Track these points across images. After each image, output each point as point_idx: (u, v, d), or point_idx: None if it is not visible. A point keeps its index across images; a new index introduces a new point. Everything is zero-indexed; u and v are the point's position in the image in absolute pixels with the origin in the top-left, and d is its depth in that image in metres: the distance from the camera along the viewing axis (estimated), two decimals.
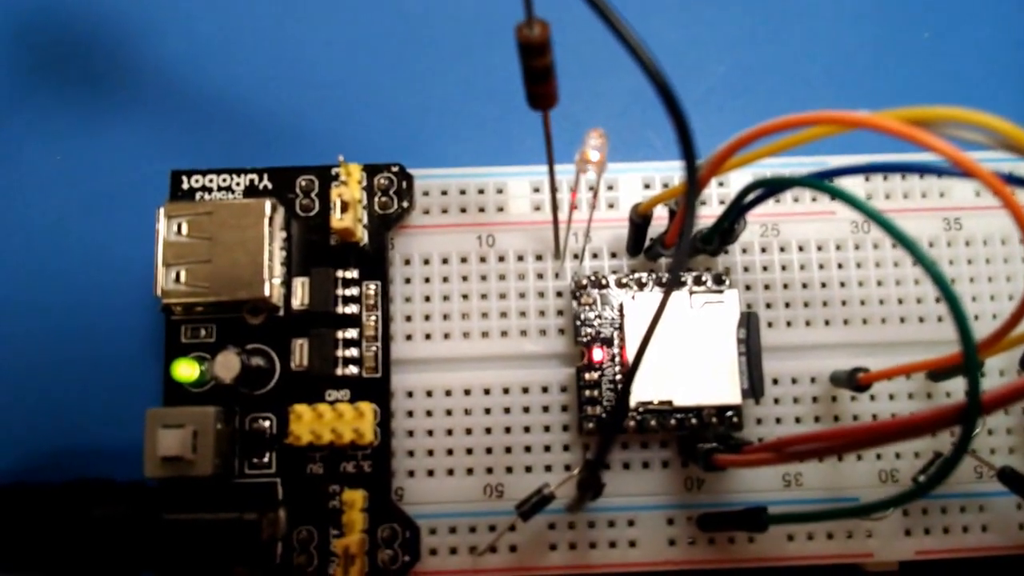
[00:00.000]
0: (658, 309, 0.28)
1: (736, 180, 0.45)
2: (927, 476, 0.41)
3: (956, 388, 0.43)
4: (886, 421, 0.31)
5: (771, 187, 0.35)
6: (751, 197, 0.36)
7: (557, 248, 0.44)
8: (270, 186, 0.44)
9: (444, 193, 0.45)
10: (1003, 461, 0.43)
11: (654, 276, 0.42)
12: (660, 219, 0.42)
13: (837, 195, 0.30)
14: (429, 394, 0.43)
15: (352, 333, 0.42)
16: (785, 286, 0.44)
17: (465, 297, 0.44)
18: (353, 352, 0.42)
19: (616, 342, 0.42)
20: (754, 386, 0.41)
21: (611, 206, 0.45)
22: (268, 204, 0.41)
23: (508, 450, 0.43)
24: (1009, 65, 0.54)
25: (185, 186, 0.43)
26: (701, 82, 0.54)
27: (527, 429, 0.43)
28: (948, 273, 0.44)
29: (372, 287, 0.43)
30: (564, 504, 0.38)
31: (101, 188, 0.50)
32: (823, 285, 0.44)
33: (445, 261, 0.44)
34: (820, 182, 0.32)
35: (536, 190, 0.45)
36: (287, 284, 0.42)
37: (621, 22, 0.26)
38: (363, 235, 0.43)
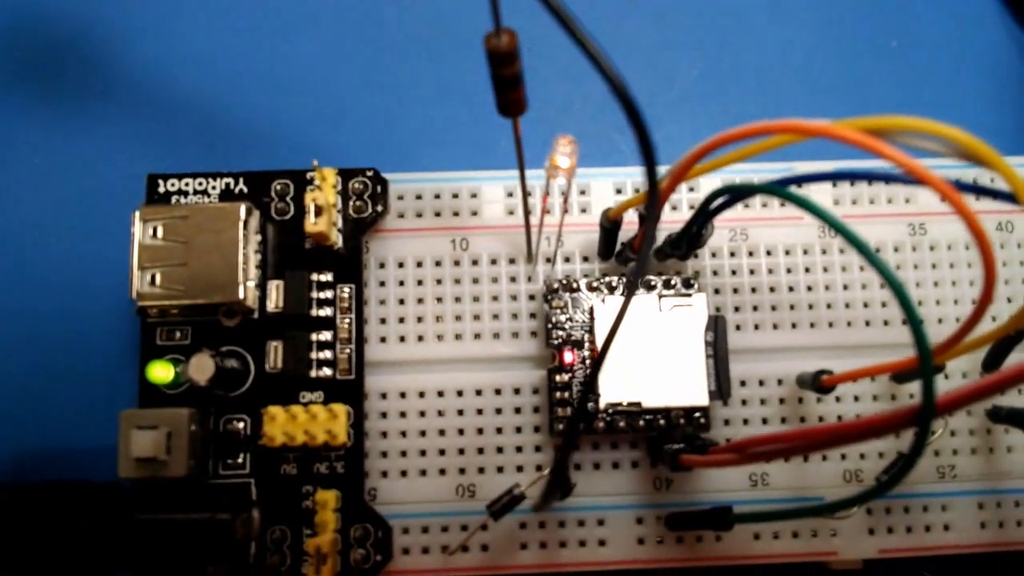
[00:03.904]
0: (618, 314, 0.29)
1: (706, 185, 0.46)
2: (888, 475, 0.42)
3: (919, 390, 0.44)
4: (845, 423, 0.31)
5: (735, 194, 0.35)
6: (716, 203, 0.36)
7: (529, 252, 0.44)
8: (245, 190, 0.44)
9: (418, 197, 0.46)
10: (964, 461, 0.44)
11: (624, 280, 0.43)
12: (631, 223, 0.43)
13: (795, 201, 0.31)
14: (403, 395, 0.44)
15: (326, 335, 0.43)
16: (753, 290, 0.45)
17: (439, 300, 0.45)
18: (327, 354, 0.43)
19: (587, 344, 0.42)
20: (721, 388, 0.42)
21: (583, 210, 0.46)
22: (243, 208, 0.41)
23: (480, 451, 0.43)
24: (975, 72, 0.55)
25: (161, 189, 0.44)
26: (675, 85, 0.54)
27: (499, 430, 0.44)
28: (913, 277, 0.45)
29: (346, 290, 0.43)
30: (531, 504, 0.39)
31: (78, 191, 0.50)
32: (790, 289, 0.45)
33: (419, 264, 0.45)
34: (781, 189, 0.32)
35: (510, 194, 0.46)
36: (262, 287, 0.43)
37: (584, 34, 0.27)
38: (337, 239, 0.43)
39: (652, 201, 0.27)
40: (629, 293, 0.28)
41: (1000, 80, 0.55)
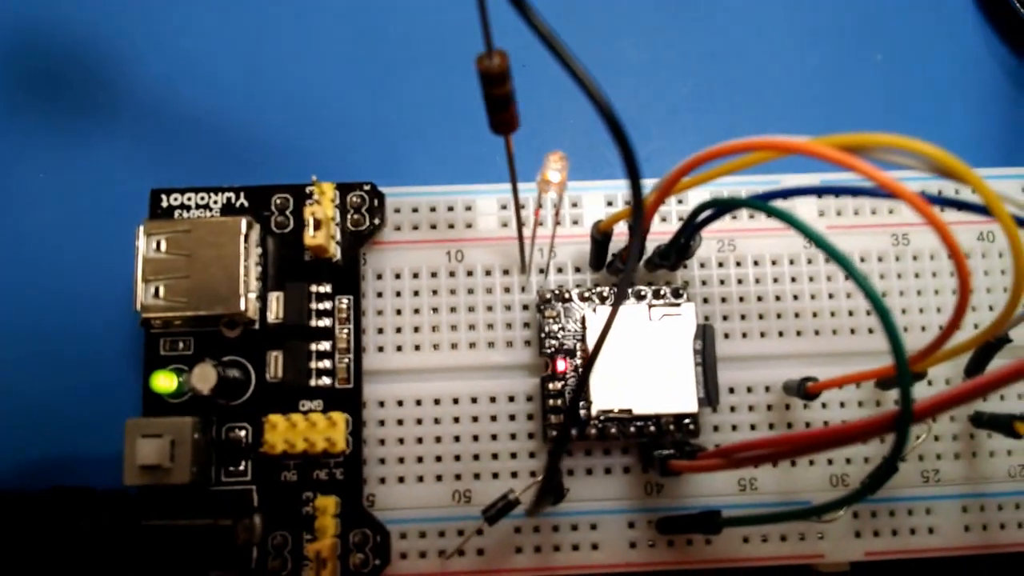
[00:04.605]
0: (607, 322, 0.30)
1: (695, 198, 0.47)
2: (871, 478, 0.43)
3: None
4: (827, 428, 0.33)
5: (720, 208, 0.36)
6: (702, 216, 0.38)
7: (523, 263, 0.45)
8: (246, 204, 0.45)
9: (415, 210, 0.47)
10: (948, 466, 0.45)
11: (615, 290, 0.44)
12: (621, 234, 0.44)
13: (777, 216, 0.32)
14: (400, 404, 0.45)
15: (325, 346, 0.44)
16: (741, 299, 0.46)
17: (435, 310, 0.46)
18: (326, 364, 0.44)
19: (579, 353, 0.43)
20: (710, 395, 0.43)
21: (575, 222, 0.47)
22: (244, 222, 0.43)
23: (476, 457, 0.45)
24: (958, 85, 0.56)
25: (164, 204, 0.45)
26: (666, 101, 0.56)
27: (494, 437, 0.45)
28: (897, 286, 0.47)
29: (345, 301, 0.44)
30: (523, 508, 0.40)
31: (83, 206, 0.51)
32: (777, 298, 0.46)
33: (416, 276, 0.46)
34: (764, 204, 0.34)
35: (503, 207, 0.47)
36: (262, 298, 0.44)
37: (571, 56, 0.28)
38: (336, 251, 0.44)
39: (637, 220, 0.29)
40: (616, 303, 0.29)
41: (983, 92, 0.56)
